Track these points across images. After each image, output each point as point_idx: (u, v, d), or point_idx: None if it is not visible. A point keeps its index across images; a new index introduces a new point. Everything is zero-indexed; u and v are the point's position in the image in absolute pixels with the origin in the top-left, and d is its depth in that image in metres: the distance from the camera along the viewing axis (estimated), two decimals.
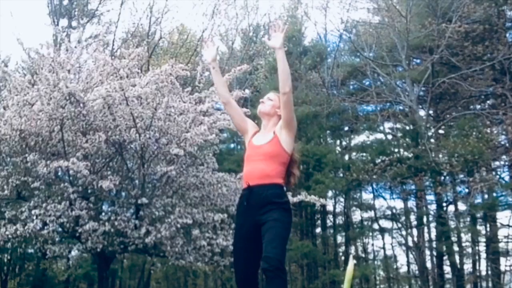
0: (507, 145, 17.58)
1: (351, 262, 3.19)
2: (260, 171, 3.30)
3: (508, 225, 18.35)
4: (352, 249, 21.93)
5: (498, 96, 17.32)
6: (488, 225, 18.84)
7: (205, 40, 3.81)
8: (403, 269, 21.85)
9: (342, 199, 21.69)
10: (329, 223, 22.28)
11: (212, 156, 11.34)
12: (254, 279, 3.23)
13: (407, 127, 19.68)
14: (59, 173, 10.57)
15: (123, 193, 10.99)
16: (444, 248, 17.03)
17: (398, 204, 21.82)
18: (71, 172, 9.71)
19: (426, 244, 18.26)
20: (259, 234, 3.13)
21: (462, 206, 18.17)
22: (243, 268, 3.20)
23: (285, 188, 3.37)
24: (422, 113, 19.27)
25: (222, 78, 3.75)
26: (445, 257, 17.82)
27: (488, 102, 19.40)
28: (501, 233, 18.59)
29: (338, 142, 23.09)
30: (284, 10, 24.62)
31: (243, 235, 3.25)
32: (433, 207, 18.57)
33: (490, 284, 18.76)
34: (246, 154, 3.46)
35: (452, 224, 17.55)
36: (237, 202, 3.41)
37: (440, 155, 17.57)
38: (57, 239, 11.48)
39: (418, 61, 20.22)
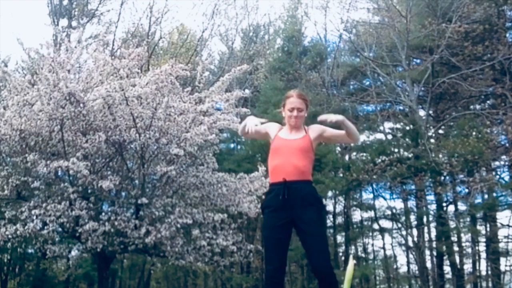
0: (507, 145, 17.57)
1: (351, 262, 3.19)
2: (294, 166, 3.38)
3: (508, 225, 18.35)
4: (352, 249, 21.93)
5: (498, 96, 17.31)
6: (488, 225, 18.83)
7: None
8: (403, 269, 21.86)
9: (342, 199, 21.68)
10: (329, 223, 22.23)
11: (212, 156, 11.34)
12: (284, 270, 3.43)
13: (407, 127, 19.67)
14: (59, 173, 10.58)
15: (123, 193, 11.00)
16: (444, 248, 17.02)
17: (398, 204, 21.83)
18: (71, 172, 9.71)
19: (426, 244, 18.25)
20: (294, 227, 3.34)
21: (462, 206, 18.18)
22: (281, 258, 3.36)
23: None
24: (422, 113, 19.27)
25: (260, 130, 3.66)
26: (445, 257, 17.81)
27: (488, 102, 19.39)
28: (501, 233, 18.61)
29: None
30: (284, 10, 24.67)
31: (279, 228, 3.36)
32: (433, 207, 18.57)
33: (490, 284, 18.75)
34: (273, 146, 3.51)
35: (452, 224, 17.54)
36: (268, 196, 3.47)
37: (440, 155, 17.56)
38: (57, 239, 11.49)
39: (418, 61, 20.20)
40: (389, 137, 20.11)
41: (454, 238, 17.92)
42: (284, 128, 3.58)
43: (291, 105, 3.51)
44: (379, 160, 17.94)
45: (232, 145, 23.52)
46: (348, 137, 3.61)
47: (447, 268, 18.35)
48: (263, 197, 3.50)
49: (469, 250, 18.64)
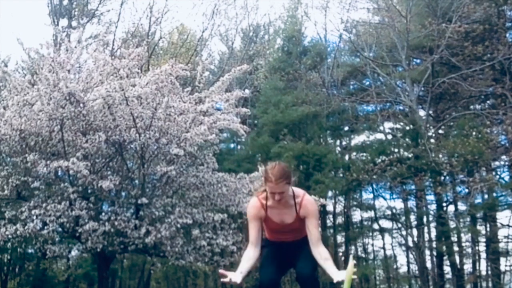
0: (507, 145, 17.56)
1: (351, 262, 3.18)
2: (294, 237, 3.45)
3: (508, 225, 18.35)
4: (352, 249, 21.93)
5: (498, 96, 17.30)
6: (488, 225, 18.82)
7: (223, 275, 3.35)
8: (403, 269, 21.86)
9: (342, 199, 21.68)
10: (329, 223, 22.25)
11: (212, 156, 11.34)
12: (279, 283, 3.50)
13: (407, 127, 19.66)
14: (59, 173, 10.58)
15: (123, 193, 10.99)
16: (444, 248, 17.02)
17: (398, 204, 21.79)
18: (71, 172, 9.71)
19: (426, 244, 18.25)
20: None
21: (462, 206, 18.17)
22: (277, 271, 3.44)
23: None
24: (422, 113, 19.27)
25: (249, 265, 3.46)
26: (445, 257, 17.81)
27: (488, 102, 19.39)
28: (501, 233, 18.61)
29: (338, 142, 23.09)
30: (284, 10, 24.67)
31: (278, 252, 3.47)
32: (433, 207, 18.57)
33: (490, 284, 18.76)
34: (269, 227, 3.46)
35: (452, 224, 17.53)
36: (264, 244, 3.49)
37: (440, 155, 17.55)
38: (57, 239, 11.49)
39: (418, 61, 20.20)
40: (389, 137, 20.10)
41: (454, 238, 17.92)
42: (269, 200, 3.35)
43: (271, 190, 3.26)
44: (379, 160, 17.93)
45: (232, 145, 23.53)
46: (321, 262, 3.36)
47: (447, 268, 18.35)
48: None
49: (469, 250, 18.64)
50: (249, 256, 3.34)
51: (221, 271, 3.19)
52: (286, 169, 3.29)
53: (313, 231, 3.30)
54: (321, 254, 3.26)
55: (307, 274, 3.30)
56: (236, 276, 3.19)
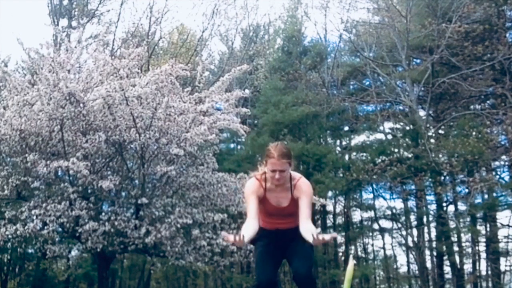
0: (507, 145, 17.56)
1: (351, 262, 3.19)
2: (287, 223, 3.41)
3: (508, 225, 18.35)
4: (352, 249, 21.93)
5: (498, 96, 17.29)
6: (488, 225, 18.83)
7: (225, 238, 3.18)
8: (403, 269, 21.86)
9: (342, 199, 21.68)
10: (329, 223, 22.25)
11: (212, 156, 11.34)
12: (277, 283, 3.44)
13: (407, 127, 19.66)
14: (59, 173, 10.58)
15: (123, 193, 10.99)
16: (444, 248, 17.02)
17: (398, 204, 21.80)
18: (71, 172, 9.71)
19: (426, 244, 18.25)
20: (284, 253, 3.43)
21: (462, 206, 18.17)
22: (273, 270, 3.39)
23: None
24: (422, 113, 19.26)
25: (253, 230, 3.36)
26: (445, 257, 17.81)
27: (488, 102, 19.38)
28: (501, 233, 18.61)
29: (338, 142, 23.09)
30: (284, 10, 24.66)
31: (272, 247, 3.44)
32: (433, 207, 18.57)
33: (490, 284, 18.76)
34: (265, 209, 3.43)
35: (452, 224, 17.53)
36: (258, 234, 3.34)
37: (440, 155, 17.55)
38: (57, 239, 11.49)
39: (418, 61, 20.20)
40: (389, 137, 20.11)
41: (454, 238, 17.92)
42: (268, 182, 3.37)
43: (272, 167, 3.26)
44: (379, 160, 17.94)
45: (232, 145, 23.52)
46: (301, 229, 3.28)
47: (447, 268, 18.35)
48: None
49: (469, 250, 18.65)
50: (249, 226, 3.24)
51: (224, 233, 3.10)
52: (288, 149, 3.37)
53: (303, 209, 3.27)
54: (307, 228, 3.17)
55: (303, 273, 3.29)
56: (239, 237, 3.08)
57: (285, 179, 3.33)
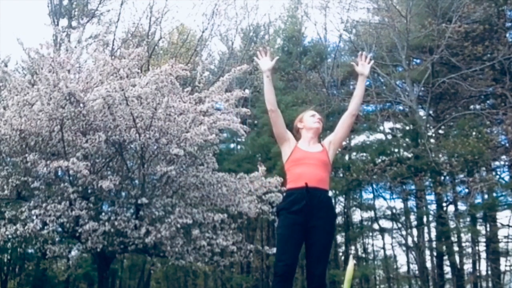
0: (507, 145, 17.57)
1: (351, 262, 3.20)
2: (317, 175, 3.48)
3: (508, 225, 18.35)
4: (352, 249, 21.93)
5: (498, 96, 17.30)
6: (488, 225, 18.84)
7: (260, 50, 3.83)
8: (403, 269, 21.88)
9: (342, 199, 21.69)
10: None
11: (212, 156, 11.32)
12: (295, 268, 3.50)
13: (407, 127, 19.67)
14: (59, 173, 10.57)
15: (123, 193, 10.98)
16: (444, 248, 17.02)
17: (398, 204, 21.84)
18: (71, 172, 9.70)
19: (426, 244, 18.26)
20: (306, 232, 3.40)
21: (462, 206, 18.18)
22: (293, 255, 3.40)
23: None
24: (422, 113, 19.26)
25: (272, 87, 3.76)
26: (445, 257, 17.81)
27: (488, 102, 19.39)
28: (501, 233, 18.62)
29: None
30: (284, 10, 24.67)
31: (295, 227, 3.43)
32: (433, 207, 18.57)
33: (490, 284, 18.76)
34: (295, 157, 3.60)
35: (452, 224, 17.54)
36: (287, 199, 3.52)
37: (440, 155, 17.55)
38: (57, 239, 11.49)
39: (418, 61, 20.21)
40: (389, 137, 20.11)
41: (454, 238, 17.92)
42: (301, 140, 3.71)
43: (311, 113, 3.78)
44: (379, 160, 17.95)
45: (232, 145, 23.53)
46: (358, 99, 3.96)
47: (447, 268, 18.36)
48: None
49: (469, 250, 18.66)
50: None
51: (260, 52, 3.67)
52: None
53: (339, 124, 3.82)
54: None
55: (317, 274, 3.36)
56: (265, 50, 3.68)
57: (321, 130, 3.74)
